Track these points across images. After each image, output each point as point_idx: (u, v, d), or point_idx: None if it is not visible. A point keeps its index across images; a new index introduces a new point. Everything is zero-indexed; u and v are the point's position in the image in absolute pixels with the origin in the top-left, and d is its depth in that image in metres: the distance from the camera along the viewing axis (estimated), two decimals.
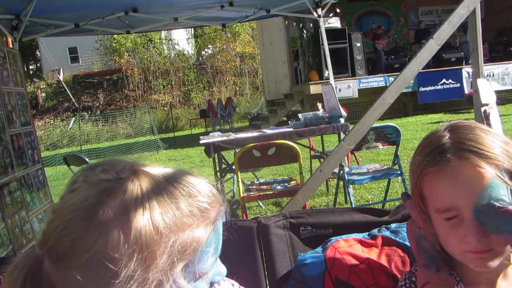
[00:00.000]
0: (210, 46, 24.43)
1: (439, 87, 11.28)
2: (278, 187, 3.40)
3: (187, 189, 0.61)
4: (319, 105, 4.33)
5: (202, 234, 0.59)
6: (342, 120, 3.97)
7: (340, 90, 10.12)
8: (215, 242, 0.63)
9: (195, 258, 0.59)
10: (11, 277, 0.57)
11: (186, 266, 0.58)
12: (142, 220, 0.54)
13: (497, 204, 0.68)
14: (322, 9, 5.14)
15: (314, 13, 5.11)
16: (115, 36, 20.34)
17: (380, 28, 12.67)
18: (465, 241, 0.70)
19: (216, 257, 0.65)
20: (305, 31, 10.63)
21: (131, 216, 0.54)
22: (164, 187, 0.59)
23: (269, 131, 3.90)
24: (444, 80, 11.26)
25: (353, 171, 3.64)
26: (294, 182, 3.52)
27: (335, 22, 10.55)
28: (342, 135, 3.71)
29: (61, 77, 22.30)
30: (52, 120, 19.73)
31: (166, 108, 19.97)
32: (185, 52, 24.02)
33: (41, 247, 0.57)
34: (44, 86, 22.66)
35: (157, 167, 0.63)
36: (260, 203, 4.45)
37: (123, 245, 0.53)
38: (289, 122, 4.10)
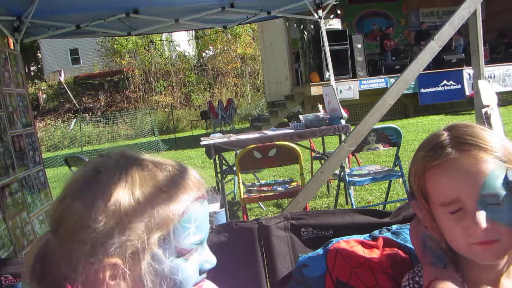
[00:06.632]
0: (211, 47, 24.45)
1: (440, 88, 11.27)
2: (279, 189, 3.40)
3: (169, 168, 0.67)
4: (320, 107, 4.33)
5: (179, 207, 0.64)
6: (343, 122, 3.97)
7: (340, 91, 10.10)
8: (196, 220, 0.66)
9: (172, 230, 0.63)
10: (27, 257, 0.65)
11: (164, 238, 0.63)
12: (122, 191, 0.62)
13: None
14: (323, 11, 5.14)
15: (315, 14, 5.12)
16: (116, 37, 20.34)
17: (389, 28, 12.66)
18: (471, 232, 0.70)
19: (201, 238, 0.68)
20: (306, 33, 10.63)
21: (112, 187, 0.62)
22: (146, 164, 0.66)
23: (270, 133, 3.90)
24: (445, 82, 11.25)
25: (354, 173, 3.63)
26: (295, 183, 3.52)
27: (336, 24, 10.55)
28: (343, 137, 3.71)
29: (62, 79, 22.32)
30: (53, 122, 19.73)
31: (167, 110, 19.98)
32: (186, 54, 24.04)
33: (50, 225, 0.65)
34: (45, 88, 22.67)
35: (149, 155, 0.71)
36: (261, 204, 4.44)
37: (103, 212, 0.60)
38: (290, 123, 4.10)
